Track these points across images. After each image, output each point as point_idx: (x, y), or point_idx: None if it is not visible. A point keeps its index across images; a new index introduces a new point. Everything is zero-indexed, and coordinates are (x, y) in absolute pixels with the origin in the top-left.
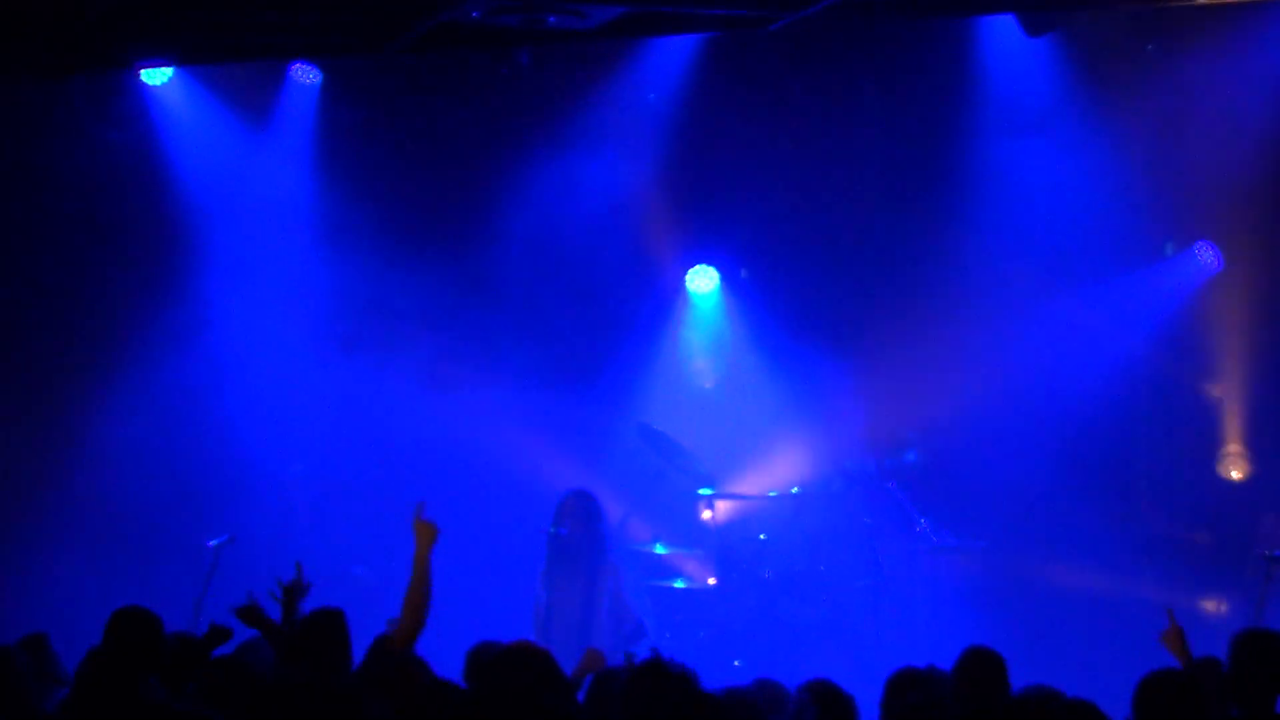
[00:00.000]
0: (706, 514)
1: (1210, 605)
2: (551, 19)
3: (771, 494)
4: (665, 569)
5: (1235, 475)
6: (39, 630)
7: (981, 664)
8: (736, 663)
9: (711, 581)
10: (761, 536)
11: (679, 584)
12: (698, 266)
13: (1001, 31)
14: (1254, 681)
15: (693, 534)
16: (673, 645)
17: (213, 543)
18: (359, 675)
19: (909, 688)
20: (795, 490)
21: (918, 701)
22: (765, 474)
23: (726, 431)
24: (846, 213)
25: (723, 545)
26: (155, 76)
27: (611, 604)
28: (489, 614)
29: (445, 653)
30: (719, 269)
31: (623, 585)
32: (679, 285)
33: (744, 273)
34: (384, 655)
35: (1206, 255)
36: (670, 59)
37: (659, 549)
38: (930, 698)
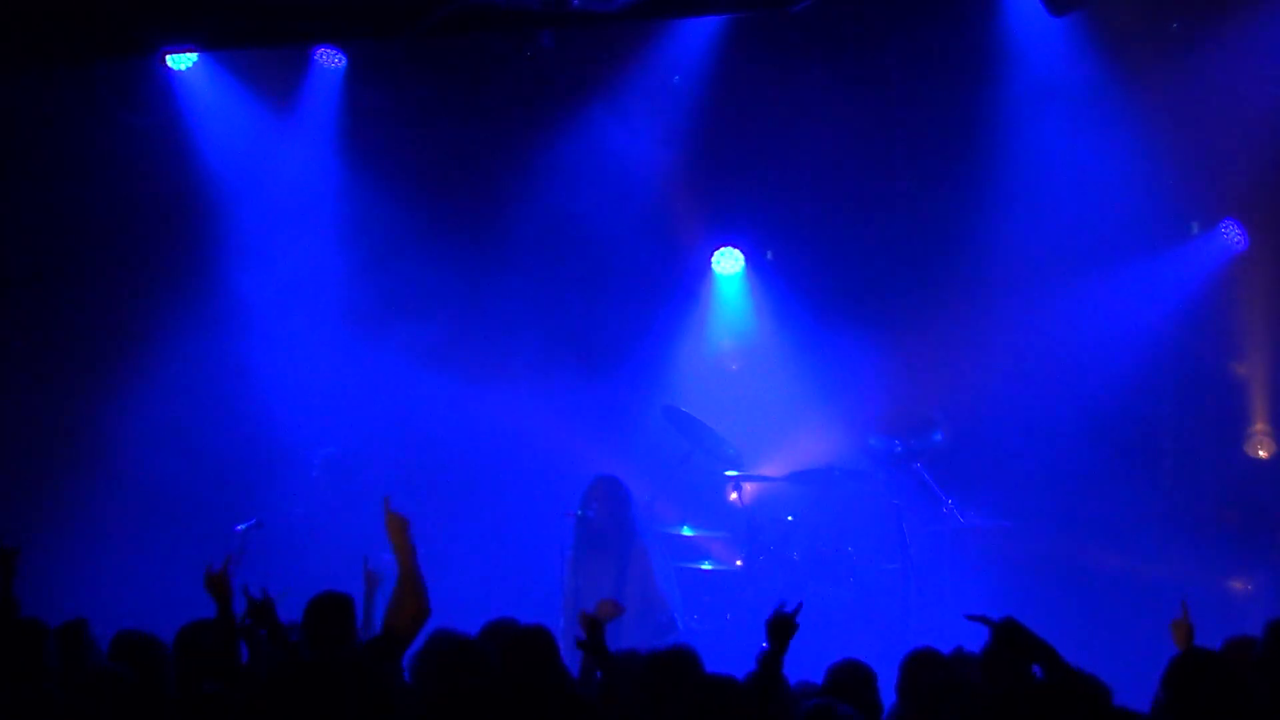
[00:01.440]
0: (734, 496)
1: (1238, 584)
2: (575, 1)
3: (799, 476)
4: (693, 551)
5: (1262, 454)
6: (77, 616)
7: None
8: (764, 645)
9: (739, 563)
10: (789, 518)
11: (706, 565)
12: (723, 249)
13: (1026, 10)
14: None
15: (720, 516)
16: (700, 628)
17: (240, 527)
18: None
19: (923, 669)
20: (822, 471)
21: (934, 681)
22: (792, 455)
23: (753, 413)
24: (871, 194)
25: (750, 527)
26: (180, 61)
27: (642, 589)
28: (518, 598)
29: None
30: (744, 251)
31: (654, 570)
32: (705, 267)
33: (769, 255)
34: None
35: (1232, 234)
36: (694, 40)
37: (686, 531)
38: (949, 678)
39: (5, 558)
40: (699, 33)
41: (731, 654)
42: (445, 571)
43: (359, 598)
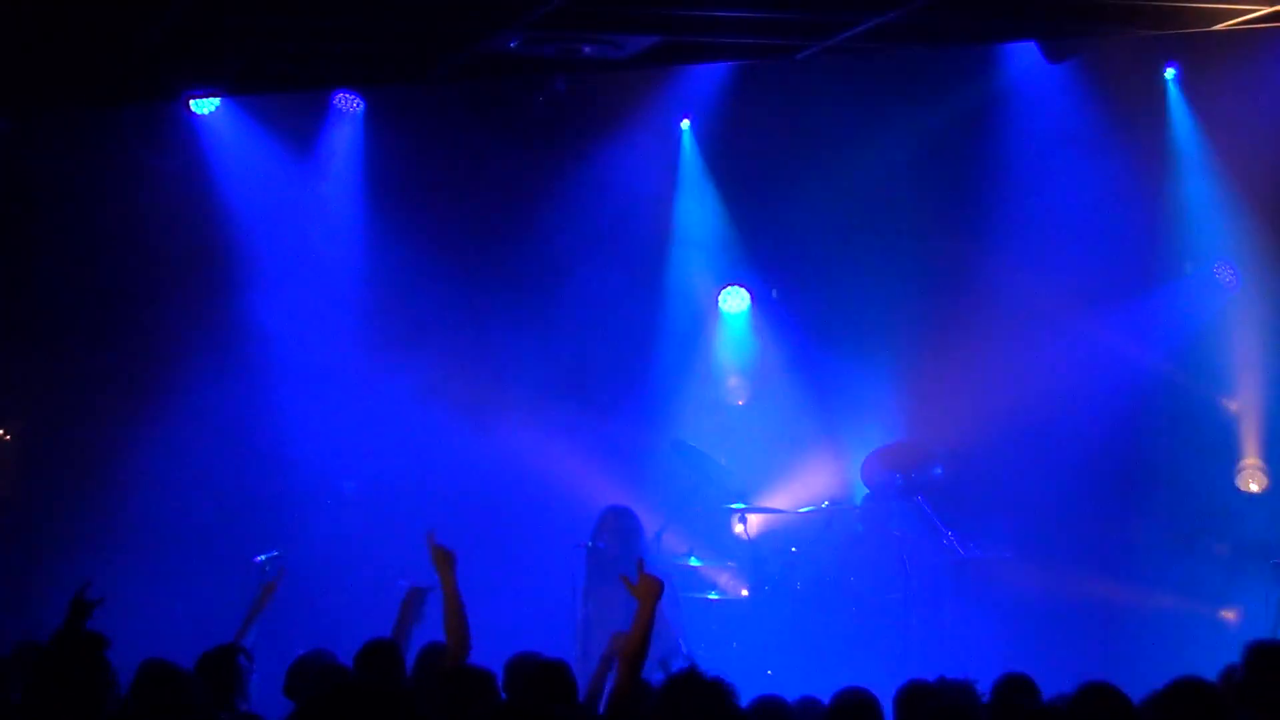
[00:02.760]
0: (739, 528)
1: (1228, 615)
2: (587, 49)
3: (803, 509)
4: (699, 581)
5: (1253, 488)
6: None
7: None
8: (769, 673)
9: (744, 593)
10: (793, 549)
11: (713, 596)
12: (730, 287)
13: (1024, 58)
14: (1267, 692)
15: (726, 547)
16: (706, 656)
17: (260, 558)
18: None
19: (919, 700)
20: (825, 504)
21: (935, 710)
22: (796, 489)
23: (758, 448)
24: (875, 235)
25: (755, 558)
26: (203, 106)
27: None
28: (530, 630)
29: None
30: (750, 290)
31: (665, 601)
32: (712, 305)
33: (775, 293)
34: (436, 674)
35: (1225, 274)
36: (703, 84)
37: (693, 561)
38: (945, 707)
39: (83, 607)
40: (708, 77)
41: (737, 682)
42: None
43: (380, 629)
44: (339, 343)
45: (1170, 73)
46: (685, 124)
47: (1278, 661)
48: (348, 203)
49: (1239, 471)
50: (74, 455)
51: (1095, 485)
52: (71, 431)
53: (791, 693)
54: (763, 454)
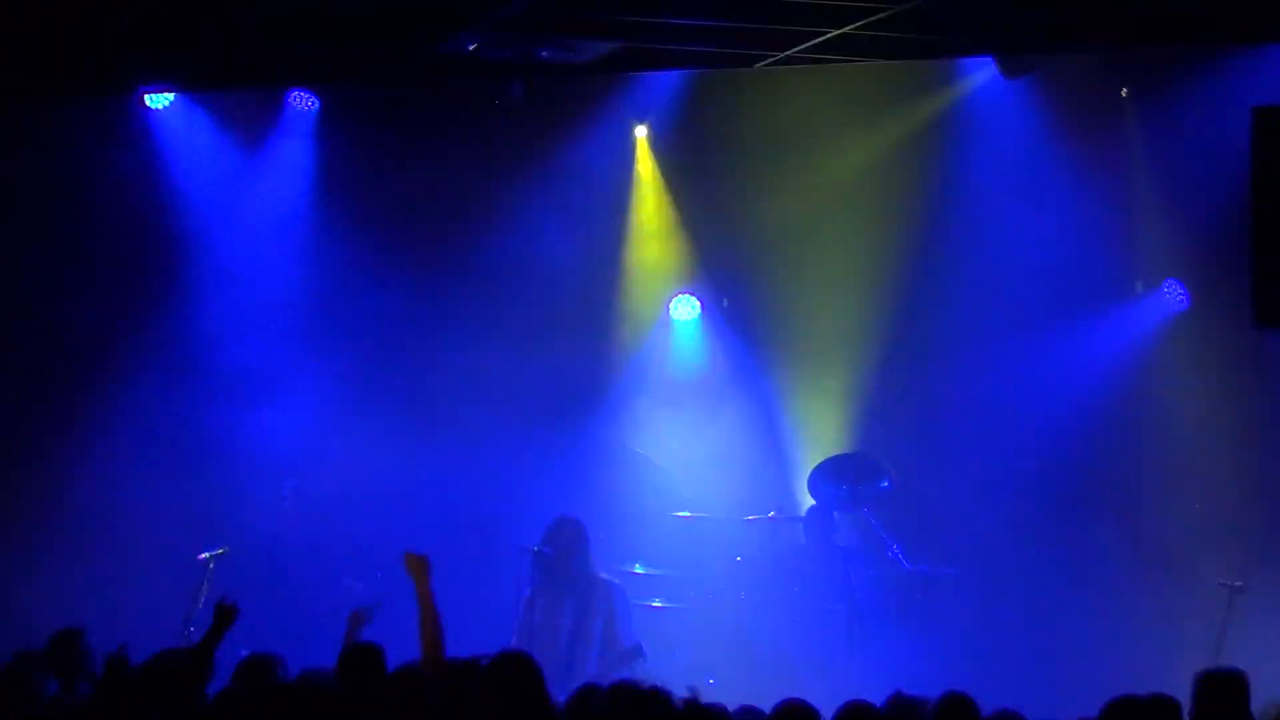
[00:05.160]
0: (684, 536)
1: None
2: (544, 53)
3: (748, 517)
4: (644, 588)
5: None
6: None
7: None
8: (711, 682)
9: (687, 602)
10: (738, 559)
11: (656, 603)
12: (680, 295)
13: (980, 74)
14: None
15: (670, 555)
16: (649, 664)
17: (205, 555)
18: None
19: None
20: (771, 514)
21: None
22: (742, 498)
23: (705, 456)
24: (827, 245)
25: (699, 566)
26: (157, 100)
27: (605, 628)
28: (475, 634)
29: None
30: (700, 298)
31: (617, 607)
32: (662, 313)
33: (725, 302)
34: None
35: (1175, 293)
36: (660, 91)
37: (638, 568)
38: None
39: (226, 614)
40: (665, 84)
41: (679, 691)
42: (398, 606)
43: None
44: (284, 342)
45: (1125, 91)
46: (640, 131)
47: (1228, 688)
48: (299, 203)
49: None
50: (17, 452)
51: (1043, 501)
52: (14, 422)
53: (733, 702)
54: (709, 462)
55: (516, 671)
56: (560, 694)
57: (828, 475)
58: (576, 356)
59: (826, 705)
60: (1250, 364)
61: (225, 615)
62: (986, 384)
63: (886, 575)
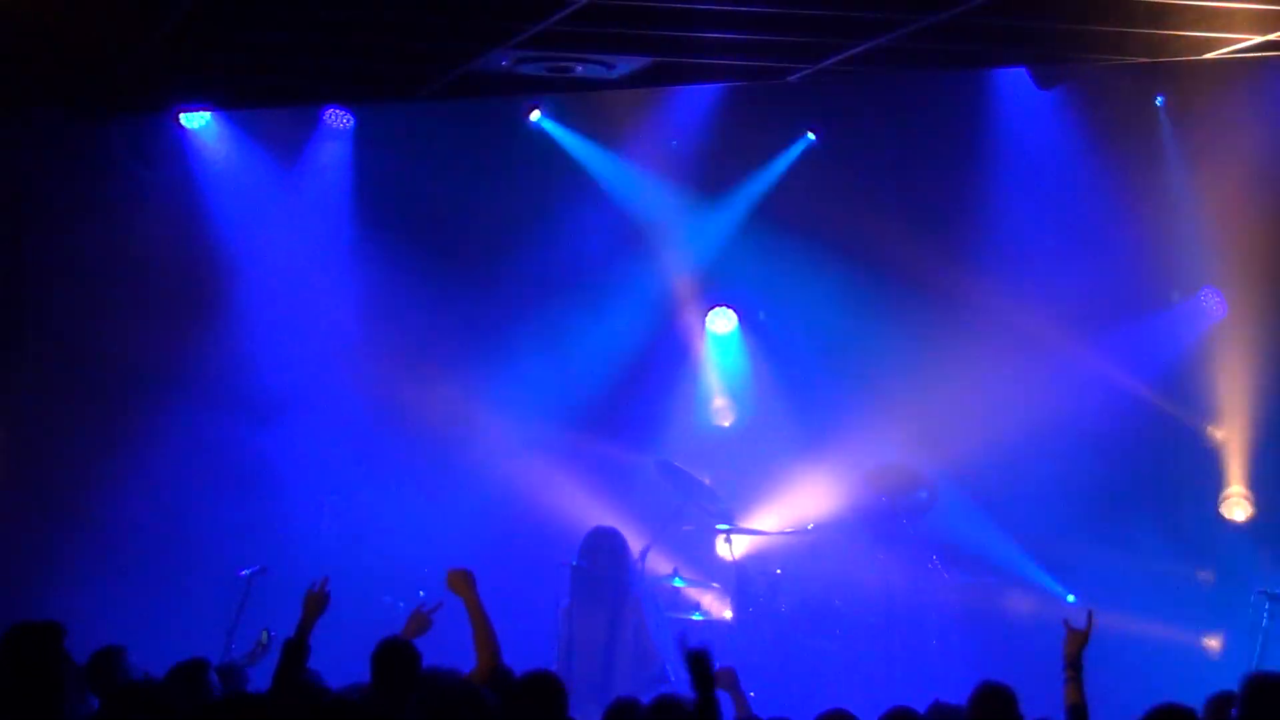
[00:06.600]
0: (724, 549)
1: (1213, 643)
2: (579, 69)
3: (788, 531)
4: (684, 602)
5: (1238, 516)
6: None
7: (994, 699)
8: (751, 694)
9: (728, 615)
10: (778, 571)
11: (697, 617)
12: (717, 308)
13: (1014, 83)
14: None
15: (711, 568)
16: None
17: (245, 572)
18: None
19: None
20: (811, 526)
21: None
22: (782, 510)
23: (744, 469)
24: (863, 257)
25: (740, 579)
26: (193, 119)
27: (635, 640)
28: (513, 648)
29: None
30: (738, 310)
31: (648, 621)
32: (699, 326)
33: (762, 314)
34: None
35: (1211, 302)
36: (693, 105)
37: (678, 582)
38: None
39: (318, 601)
40: (698, 99)
41: (720, 704)
42: (441, 619)
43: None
44: (324, 359)
45: (1159, 100)
46: (673, 144)
47: (1277, 694)
48: (336, 220)
49: (1224, 500)
50: (57, 469)
51: (1080, 510)
52: (56, 445)
53: (773, 714)
54: (748, 475)
55: (541, 691)
56: (597, 708)
57: (867, 486)
58: (615, 369)
59: (868, 716)
60: None
61: (315, 603)
62: (1024, 393)
63: (926, 585)
